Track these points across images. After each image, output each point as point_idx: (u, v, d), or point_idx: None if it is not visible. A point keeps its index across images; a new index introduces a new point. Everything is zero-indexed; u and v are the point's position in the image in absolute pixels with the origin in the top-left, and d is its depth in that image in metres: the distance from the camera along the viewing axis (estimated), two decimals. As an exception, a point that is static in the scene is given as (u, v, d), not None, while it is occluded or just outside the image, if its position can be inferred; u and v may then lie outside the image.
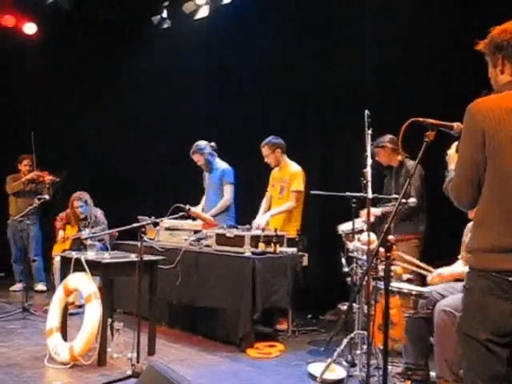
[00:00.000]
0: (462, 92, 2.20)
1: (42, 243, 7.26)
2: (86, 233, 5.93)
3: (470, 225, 3.65)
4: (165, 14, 7.88)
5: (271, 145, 5.55)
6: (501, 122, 2.05)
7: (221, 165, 5.95)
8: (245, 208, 5.91)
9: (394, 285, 3.62)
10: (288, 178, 5.54)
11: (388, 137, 4.76)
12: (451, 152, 2.50)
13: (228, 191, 5.86)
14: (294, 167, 5.57)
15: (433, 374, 3.71)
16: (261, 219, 5.35)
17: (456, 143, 2.32)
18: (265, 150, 5.59)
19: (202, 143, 5.91)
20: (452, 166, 2.38)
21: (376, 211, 4.57)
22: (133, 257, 4.37)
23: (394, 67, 5.48)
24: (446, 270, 3.77)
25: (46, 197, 6.57)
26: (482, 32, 2.28)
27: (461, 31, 4.76)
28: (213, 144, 5.94)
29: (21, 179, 7.19)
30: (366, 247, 3.77)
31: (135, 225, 4.12)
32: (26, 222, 6.29)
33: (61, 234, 6.51)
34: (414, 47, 5.33)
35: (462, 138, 2.17)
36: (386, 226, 2.33)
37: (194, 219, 5.61)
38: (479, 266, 2.08)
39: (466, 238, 3.76)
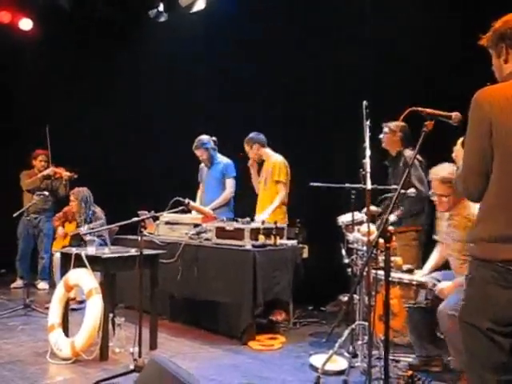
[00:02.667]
0: (463, 92, 2.18)
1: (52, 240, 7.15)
2: (84, 229, 5.93)
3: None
4: (161, 8, 7.84)
5: (248, 141, 5.65)
6: (507, 110, 2.03)
7: (222, 159, 6.00)
8: (245, 208, 5.85)
9: (395, 275, 3.62)
10: (270, 168, 5.58)
11: (402, 124, 4.56)
12: (457, 148, 2.45)
13: (230, 185, 5.92)
14: (275, 158, 5.61)
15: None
16: (261, 218, 5.22)
17: (461, 139, 2.30)
18: (245, 147, 5.69)
19: (205, 138, 5.92)
20: (461, 161, 2.33)
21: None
22: (133, 251, 4.37)
23: (394, 67, 5.46)
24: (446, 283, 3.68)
25: (46, 193, 6.55)
26: (482, 32, 2.26)
27: (461, 31, 4.73)
28: (214, 139, 5.97)
29: (36, 175, 7.06)
30: (365, 238, 3.77)
31: (135, 219, 4.10)
32: (38, 218, 6.20)
33: (60, 229, 6.51)
34: (414, 47, 5.30)
35: (469, 128, 2.13)
36: (385, 216, 2.32)
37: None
38: (483, 256, 2.07)
39: (441, 221, 3.75)
